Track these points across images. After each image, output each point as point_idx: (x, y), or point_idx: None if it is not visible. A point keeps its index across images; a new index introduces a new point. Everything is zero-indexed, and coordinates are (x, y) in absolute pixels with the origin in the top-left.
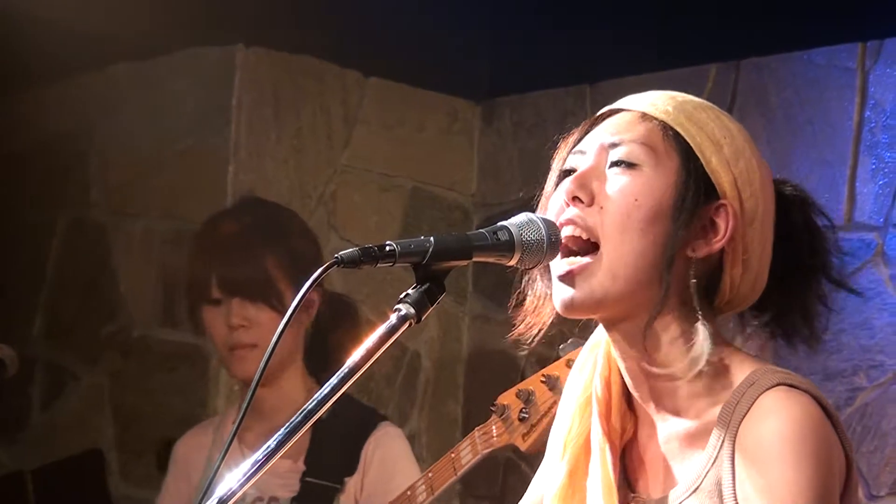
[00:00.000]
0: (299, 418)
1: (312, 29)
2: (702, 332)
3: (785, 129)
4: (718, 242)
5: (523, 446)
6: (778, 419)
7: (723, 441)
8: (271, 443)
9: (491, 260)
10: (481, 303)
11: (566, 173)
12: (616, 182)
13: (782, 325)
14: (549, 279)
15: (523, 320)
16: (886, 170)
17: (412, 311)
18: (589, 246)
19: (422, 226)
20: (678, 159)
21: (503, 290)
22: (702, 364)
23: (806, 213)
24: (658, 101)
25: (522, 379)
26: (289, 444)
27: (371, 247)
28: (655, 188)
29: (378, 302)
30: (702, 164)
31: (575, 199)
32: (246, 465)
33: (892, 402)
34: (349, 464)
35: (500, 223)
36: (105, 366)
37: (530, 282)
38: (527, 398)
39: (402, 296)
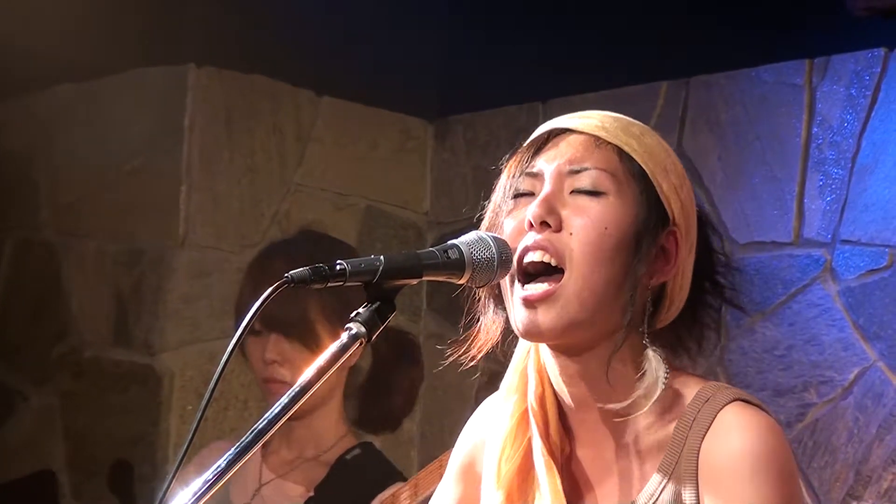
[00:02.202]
0: (250, 437)
1: (265, 48)
2: (654, 360)
3: (734, 145)
4: (671, 269)
5: None
6: (744, 436)
7: (679, 457)
8: (221, 462)
9: (441, 278)
10: (436, 321)
11: (521, 196)
12: (585, 209)
13: (675, 337)
14: (499, 302)
15: (472, 343)
16: (834, 186)
17: (363, 329)
18: (552, 270)
19: (375, 244)
20: (636, 186)
21: (458, 308)
22: (658, 393)
23: (707, 234)
24: (607, 125)
25: (477, 400)
26: (240, 463)
27: (322, 266)
28: (621, 217)
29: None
30: (656, 191)
31: (543, 223)
32: (197, 483)
33: (841, 417)
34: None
35: (450, 241)
36: (56, 386)
37: (480, 306)
38: None
39: (353, 315)
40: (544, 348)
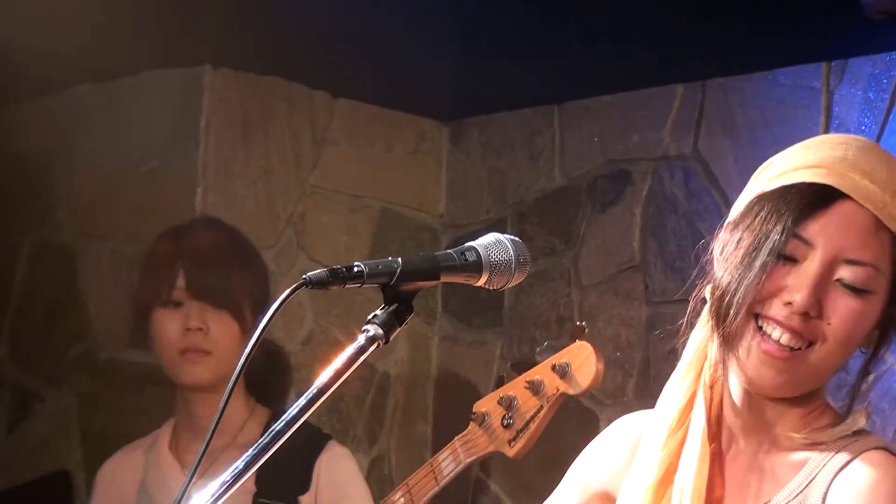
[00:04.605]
0: (268, 439)
1: (281, 50)
2: (863, 416)
3: (750, 148)
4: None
5: (511, 452)
6: (880, 476)
7: (812, 479)
8: (239, 464)
9: (459, 280)
10: (451, 323)
11: (783, 256)
12: (850, 305)
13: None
14: (728, 346)
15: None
16: None
17: (380, 331)
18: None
19: (390, 246)
20: (891, 272)
21: (473, 310)
22: (846, 432)
23: None
24: (888, 199)
25: None
26: (257, 464)
27: (339, 268)
28: (876, 312)
29: (348, 322)
30: None
31: (806, 314)
32: (214, 486)
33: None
34: (302, 483)
35: (467, 244)
36: (72, 388)
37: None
38: (509, 404)
39: (370, 316)
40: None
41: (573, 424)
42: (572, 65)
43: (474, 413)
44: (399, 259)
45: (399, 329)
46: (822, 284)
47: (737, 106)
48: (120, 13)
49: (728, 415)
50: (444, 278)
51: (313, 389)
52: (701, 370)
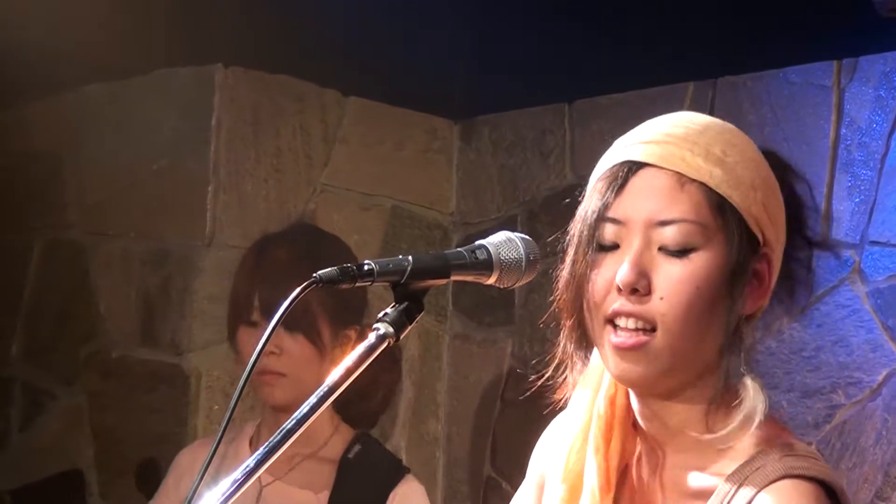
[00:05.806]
0: (279, 437)
1: (291, 48)
2: (752, 389)
3: (762, 147)
4: (766, 291)
5: None
6: None
7: None
8: (250, 462)
9: (469, 279)
10: (462, 322)
11: (602, 247)
12: (674, 271)
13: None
14: (581, 343)
15: (555, 378)
16: (862, 187)
17: (391, 329)
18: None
19: (401, 244)
20: (723, 226)
21: (484, 309)
22: (756, 423)
23: (790, 186)
24: (687, 155)
25: (503, 399)
26: (268, 462)
27: (350, 266)
28: (712, 269)
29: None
30: (744, 220)
31: (633, 290)
32: (225, 483)
33: (869, 418)
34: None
35: (478, 242)
36: (84, 386)
37: (562, 345)
38: None
39: (380, 315)
40: None
41: None
42: (583, 63)
43: None
44: (410, 257)
45: (409, 327)
46: (645, 258)
47: (747, 104)
48: (131, 12)
49: (639, 425)
50: (455, 276)
51: (324, 387)
52: (600, 381)
